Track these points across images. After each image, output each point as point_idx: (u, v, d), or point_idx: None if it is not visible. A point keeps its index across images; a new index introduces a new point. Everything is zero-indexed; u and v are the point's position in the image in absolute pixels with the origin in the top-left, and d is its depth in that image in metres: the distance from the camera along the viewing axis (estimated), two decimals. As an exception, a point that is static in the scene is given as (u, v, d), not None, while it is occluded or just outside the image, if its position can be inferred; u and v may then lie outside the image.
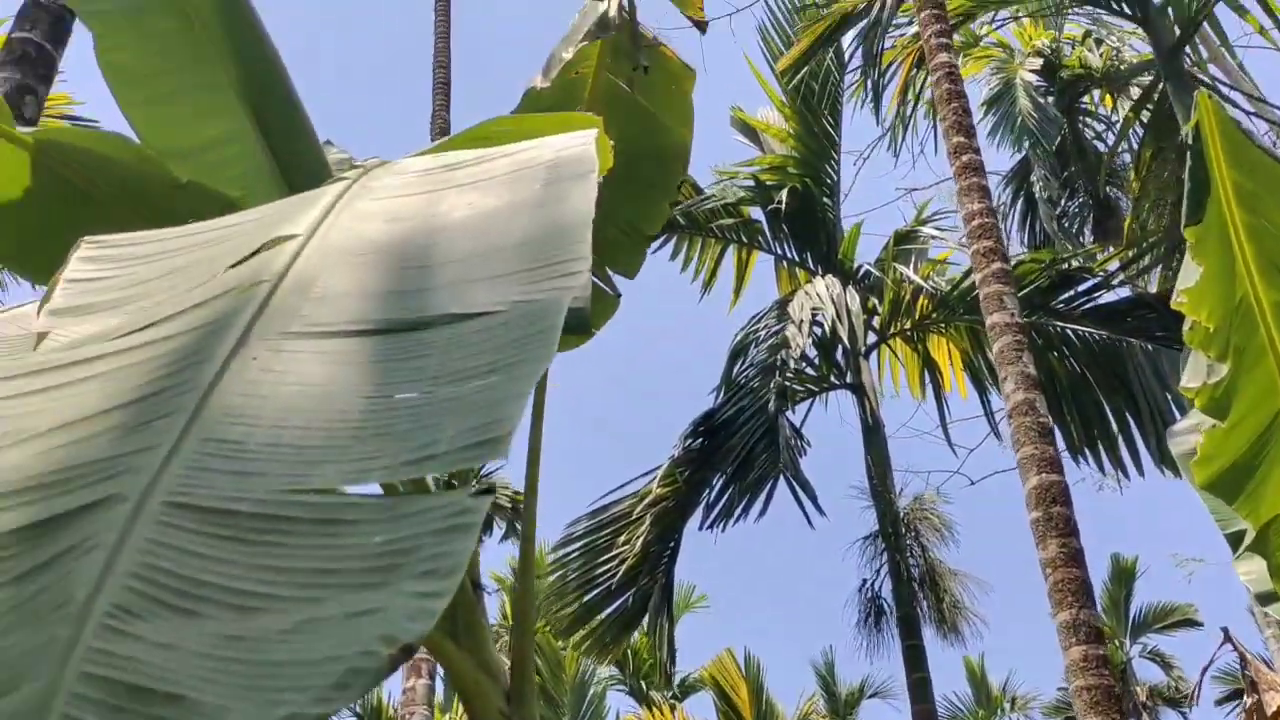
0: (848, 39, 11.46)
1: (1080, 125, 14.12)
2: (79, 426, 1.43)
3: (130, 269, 2.13)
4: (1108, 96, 14.24)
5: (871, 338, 11.52)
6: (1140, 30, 11.60)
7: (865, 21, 10.94)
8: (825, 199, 11.97)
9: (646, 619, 10.38)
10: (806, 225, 11.94)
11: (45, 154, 3.84)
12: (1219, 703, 21.22)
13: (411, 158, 2.62)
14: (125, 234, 2.27)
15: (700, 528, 10.25)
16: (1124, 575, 24.21)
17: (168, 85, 4.64)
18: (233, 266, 1.96)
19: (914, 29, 11.58)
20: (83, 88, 11.80)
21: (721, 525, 9.96)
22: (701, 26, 3.91)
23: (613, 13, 3.53)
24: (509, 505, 18.89)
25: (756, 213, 12.24)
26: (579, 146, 2.20)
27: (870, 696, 23.32)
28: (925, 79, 12.03)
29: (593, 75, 3.93)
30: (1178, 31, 10.60)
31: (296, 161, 4.62)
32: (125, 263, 2.15)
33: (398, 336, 1.61)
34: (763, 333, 11.06)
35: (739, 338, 11.31)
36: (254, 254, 1.99)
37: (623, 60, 3.79)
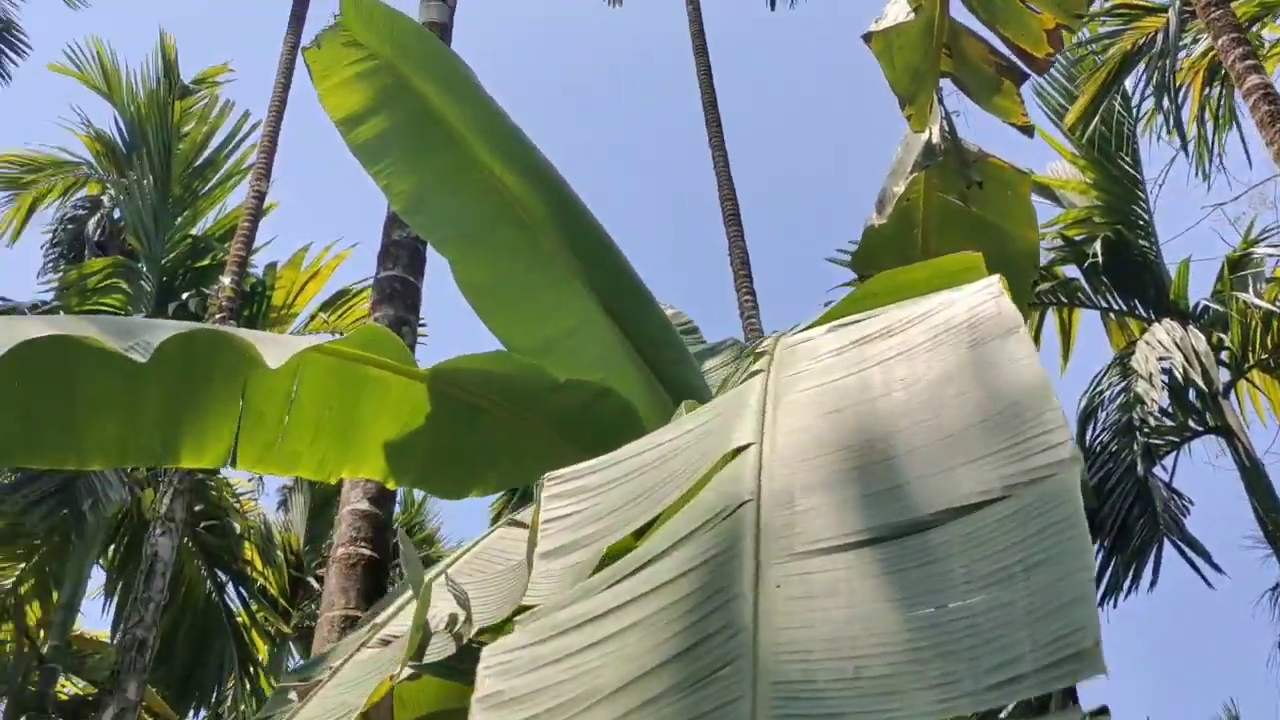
0: (1132, 76, 11.12)
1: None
2: (644, 685, 1.54)
3: (595, 499, 2.29)
4: None
5: (1225, 374, 10.85)
6: None
7: (1152, 52, 10.58)
8: (1141, 241, 11.51)
9: None
10: (1128, 272, 11.48)
11: (437, 380, 4.18)
12: None
13: (808, 332, 2.71)
14: (578, 465, 2.44)
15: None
16: None
17: (517, 289, 4.99)
18: (697, 486, 2.08)
19: (1200, 46, 11.13)
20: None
21: (1112, 601, 9.49)
22: (1028, 131, 3.90)
23: (936, 139, 3.57)
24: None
25: (1070, 270, 11.88)
26: (991, 300, 2.22)
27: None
28: (1220, 92, 11.53)
29: (923, 199, 3.99)
30: None
31: (642, 332, 4.84)
32: (589, 494, 2.31)
33: (898, 543, 1.65)
34: (1108, 392, 10.63)
35: (1084, 402, 10.91)
36: (713, 470, 2.10)
37: (951, 178, 3.84)
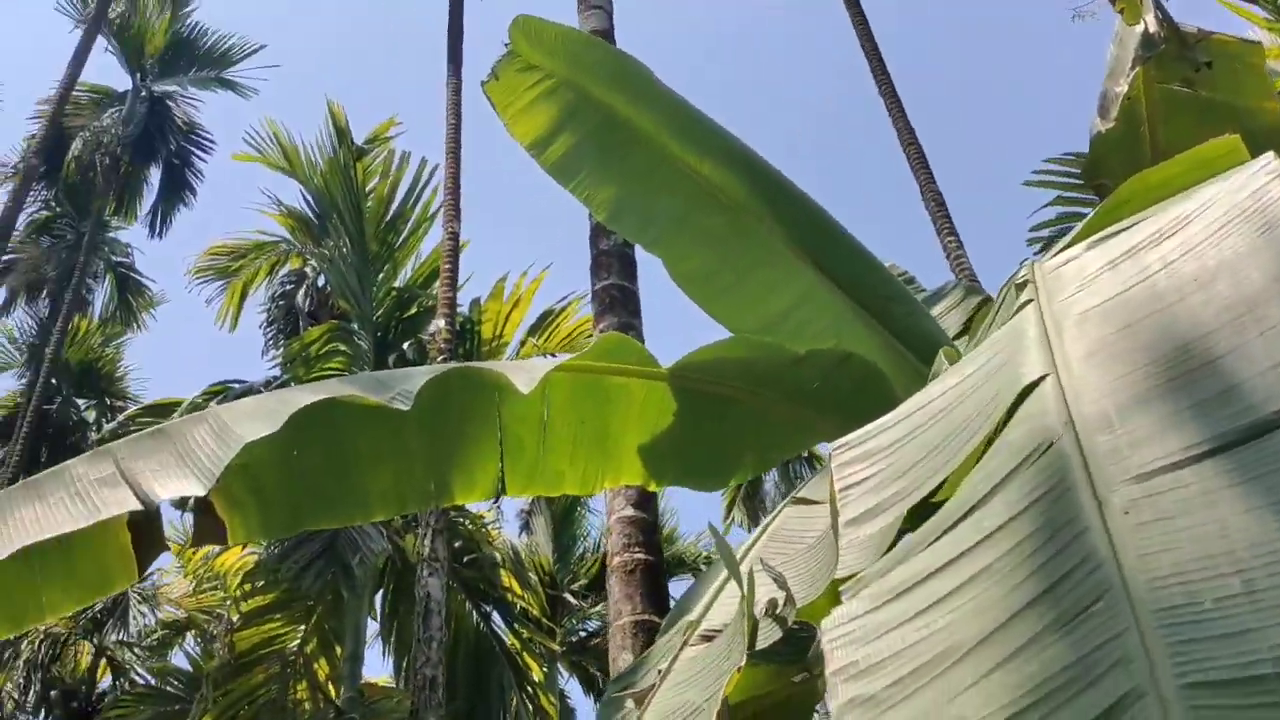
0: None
1: None
2: (1007, 634, 1.49)
3: (890, 459, 2.24)
4: None
5: None
6: None
7: None
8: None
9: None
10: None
11: (678, 377, 4.20)
12: None
13: (1066, 254, 2.59)
14: (863, 429, 2.39)
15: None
16: None
17: (732, 273, 4.97)
18: (998, 428, 2.01)
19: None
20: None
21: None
22: None
23: (1153, 28, 3.38)
24: None
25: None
26: (1271, 179, 2.08)
27: None
28: None
29: (1143, 94, 3.79)
30: None
31: (866, 291, 4.76)
32: (882, 455, 2.26)
33: (1250, 447, 1.55)
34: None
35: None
36: (1011, 408, 2.03)
37: (1171, 65, 3.63)
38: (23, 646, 26.15)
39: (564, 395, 4.09)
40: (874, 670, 1.59)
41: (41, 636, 26.78)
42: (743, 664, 1.90)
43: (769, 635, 2.24)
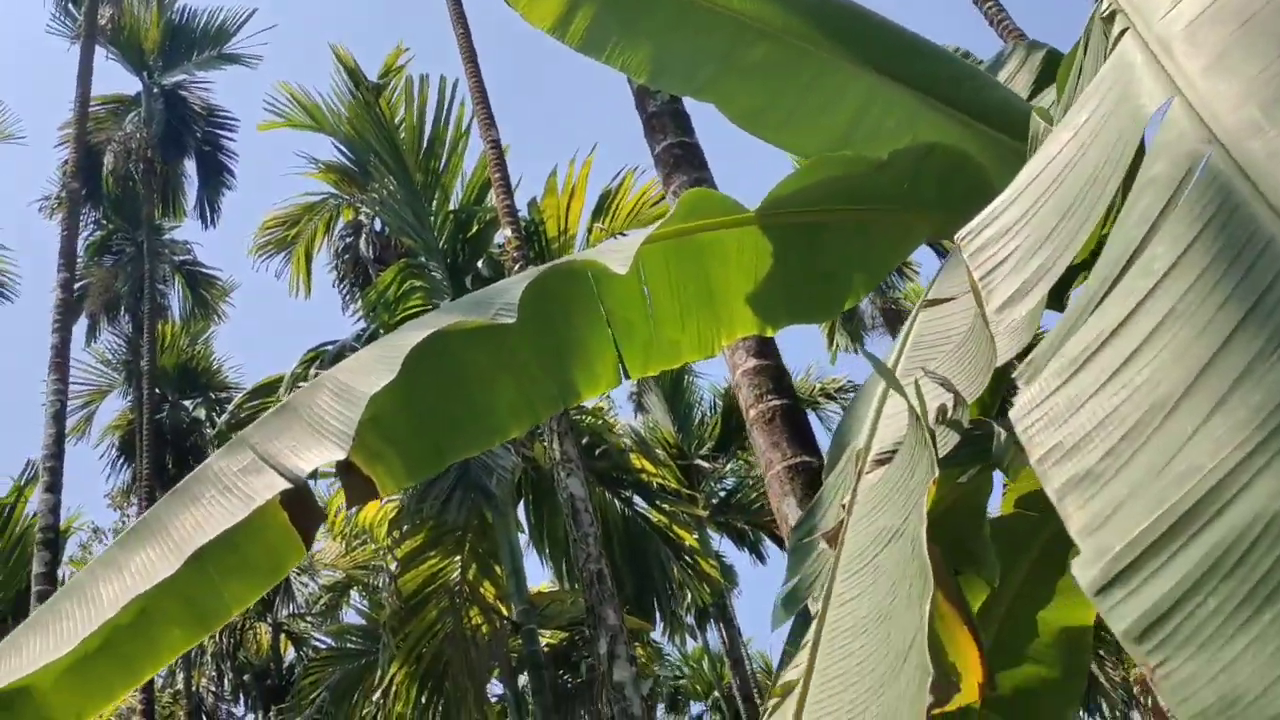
0: None
1: None
2: (1217, 371, 1.41)
3: (1023, 233, 2.13)
4: None
5: None
6: None
7: None
8: None
9: None
10: None
11: (765, 215, 4.09)
12: None
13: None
14: (982, 214, 2.28)
15: None
16: None
17: (789, 97, 4.81)
18: (1134, 167, 1.89)
19: None
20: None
21: None
22: None
23: None
24: None
25: None
26: None
27: None
28: None
29: None
30: None
31: (929, 78, 4.58)
32: (1014, 231, 2.16)
33: None
34: None
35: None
36: (1139, 144, 1.91)
37: None
38: (206, 642, 27.34)
39: (659, 265, 4.02)
40: (1081, 446, 1.52)
41: (220, 628, 27.91)
42: (936, 474, 1.84)
43: (946, 442, 2.18)
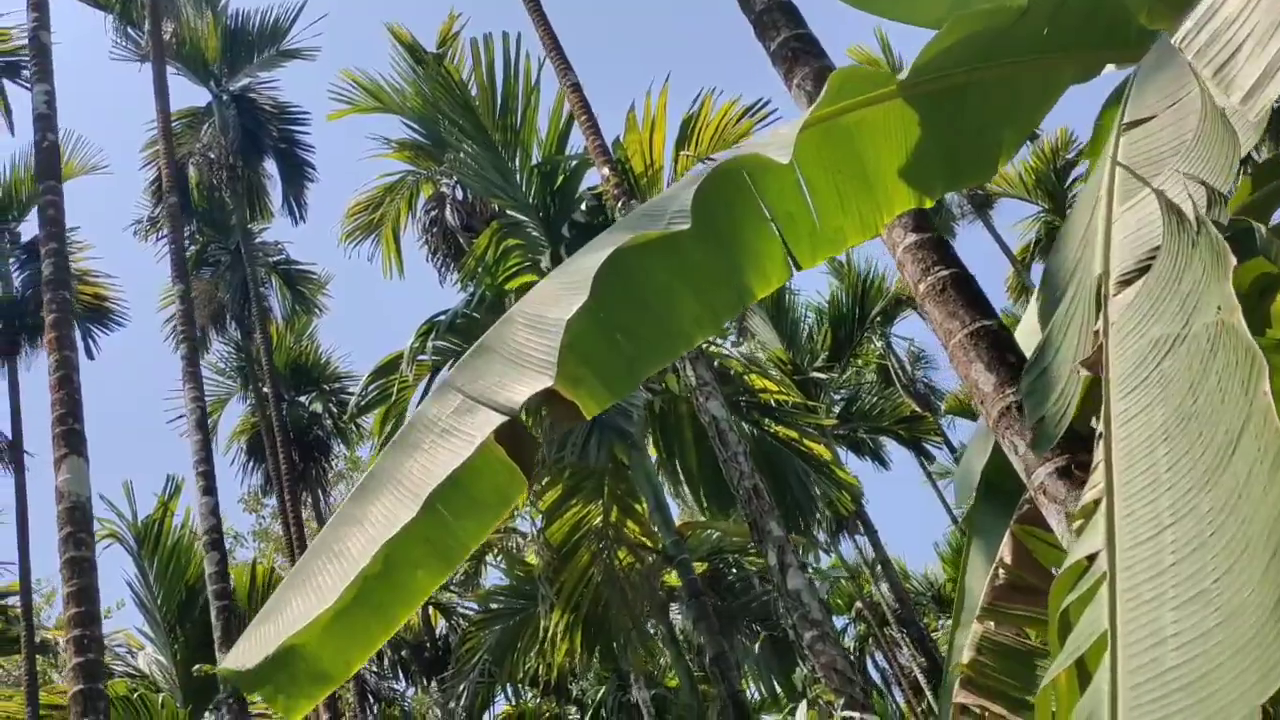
0: None
1: None
2: None
3: (1249, 22, 2.10)
4: None
5: None
6: None
7: None
8: None
9: None
10: None
11: (909, 87, 4.05)
12: None
13: None
14: (1195, 15, 2.25)
15: None
16: None
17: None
18: None
19: None
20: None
21: None
22: None
23: None
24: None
25: None
26: None
27: None
28: None
29: None
30: None
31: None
32: (1236, 23, 2.13)
33: None
34: None
35: None
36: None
37: None
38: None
39: (811, 154, 4.01)
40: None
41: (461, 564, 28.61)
42: (1234, 261, 1.83)
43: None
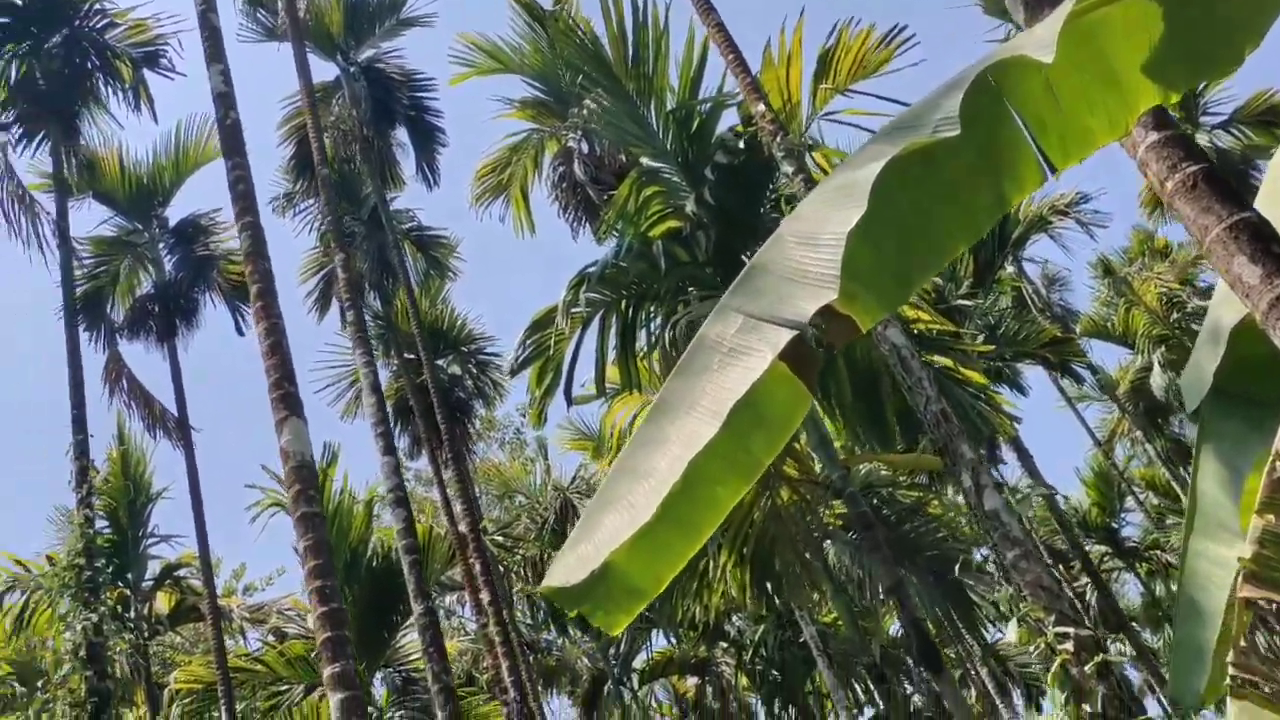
0: None
1: None
2: None
3: None
4: None
5: None
6: None
7: None
8: None
9: None
10: None
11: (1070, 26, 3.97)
12: None
13: None
14: None
15: None
16: None
17: None
18: None
19: None
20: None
21: None
22: None
23: None
24: None
25: None
26: None
27: None
28: None
29: None
30: None
31: None
32: None
33: None
34: None
35: None
36: None
37: None
38: (514, 579, 28.72)
39: (1056, 55, 3.98)
40: None
41: (521, 561, 29.28)
42: None
43: None
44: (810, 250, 3.52)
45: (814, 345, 3.59)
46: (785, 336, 3.40)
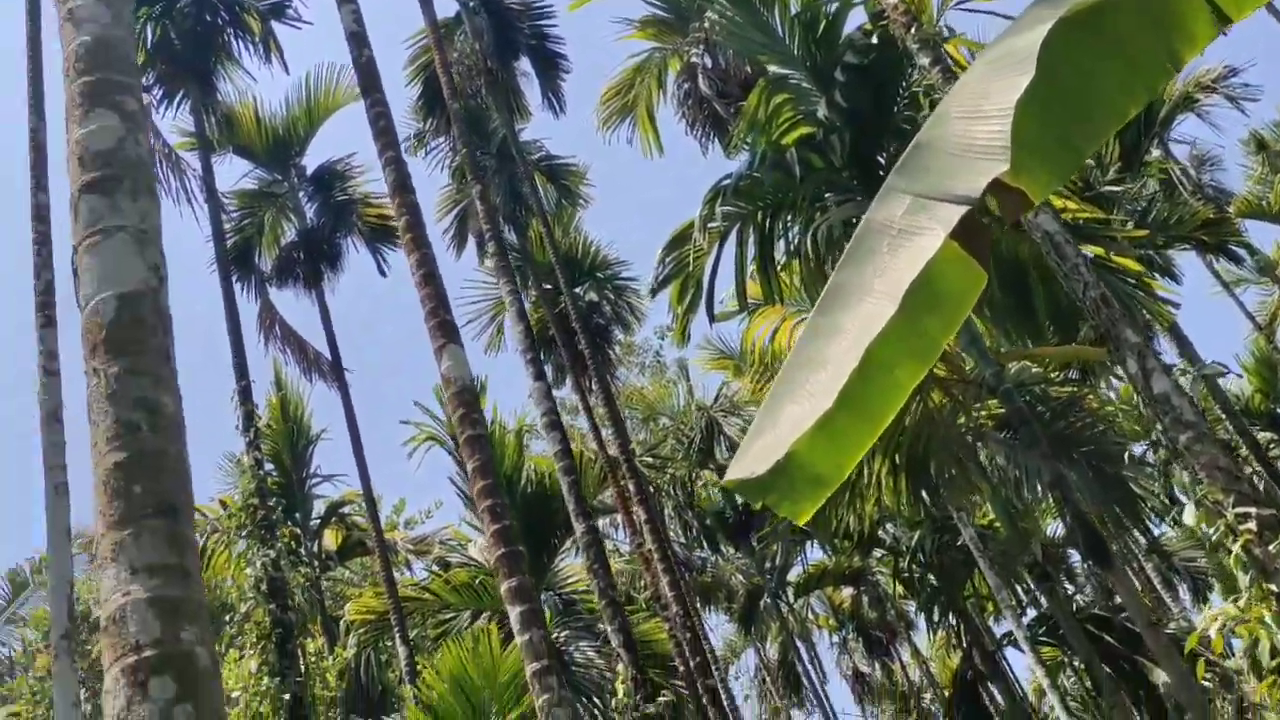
0: None
1: None
2: None
3: None
4: None
5: None
6: None
7: None
8: None
9: None
10: None
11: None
12: None
13: None
14: None
15: None
16: None
17: None
18: None
19: None
20: None
21: None
22: None
23: None
24: None
25: None
26: None
27: None
28: None
29: None
30: None
31: None
32: None
33: None
34: None
35: None
36: None
37: None
38: (664, 499, 29.07)
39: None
40: None
41: (670, 480, 29.61)
42: None
43: None
44: (977, 123, 3.43)
45: (986, 222, 3.51)
46: (956, 213, 3.33)
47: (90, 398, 3.13)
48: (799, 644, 35.34)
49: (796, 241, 14.53)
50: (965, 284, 3.54)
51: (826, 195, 14.44)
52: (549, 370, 27.94)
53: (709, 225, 14.24)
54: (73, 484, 9.67)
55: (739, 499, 30.62)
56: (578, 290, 27.15)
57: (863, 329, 3.36)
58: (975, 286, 3.56)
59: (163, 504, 2.96)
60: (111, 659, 2.77)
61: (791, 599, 34.49)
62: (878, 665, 38.70)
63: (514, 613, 6.78)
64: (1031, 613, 22.01)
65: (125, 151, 3.58)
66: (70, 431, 10.82)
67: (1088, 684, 24.27)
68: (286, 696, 13.13)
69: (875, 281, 3.41)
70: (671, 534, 30.21)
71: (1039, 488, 14.53)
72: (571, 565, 22.42)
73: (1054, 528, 26.44)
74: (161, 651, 2.74)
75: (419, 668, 17.99)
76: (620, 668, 11.69)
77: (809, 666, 35.55)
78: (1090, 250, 14.27)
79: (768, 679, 38.99)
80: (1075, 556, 27.62)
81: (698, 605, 29.31)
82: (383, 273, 24.80)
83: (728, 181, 14.23)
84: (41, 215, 11.50)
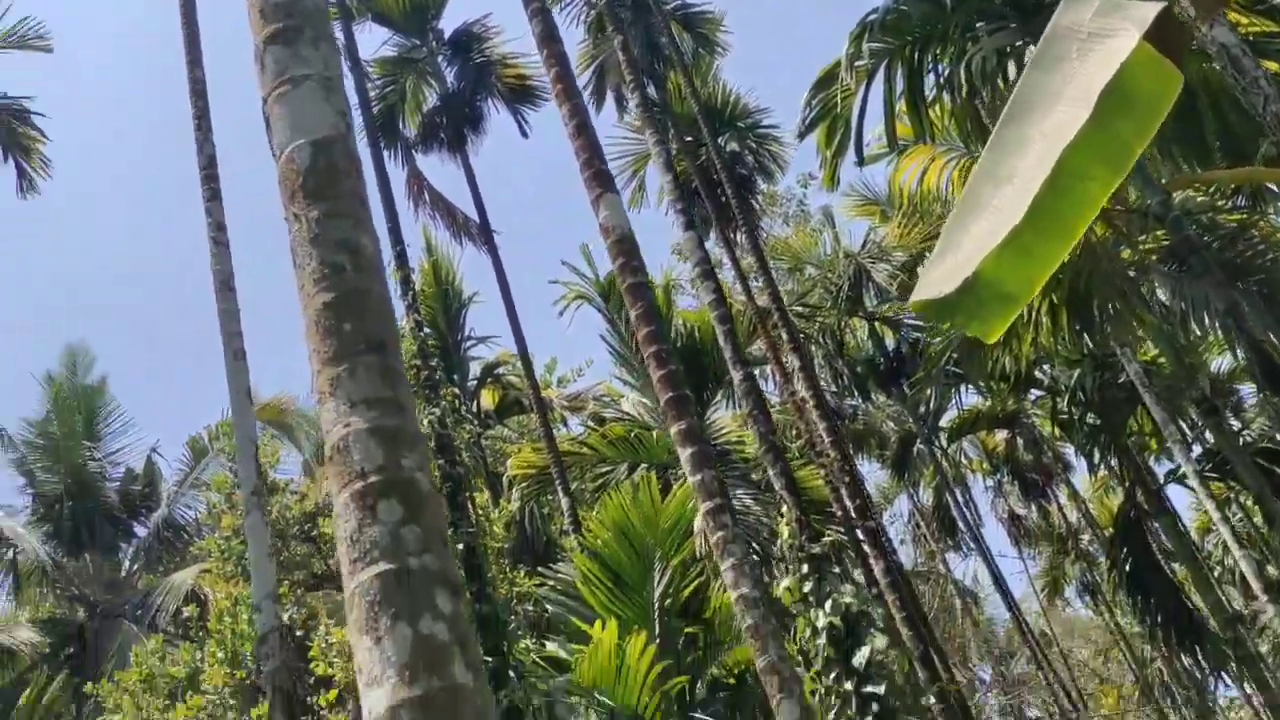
0: None
1: None
2: None
3: None
4: None
5: None
6: None
7: None
8: None
9: None
10: None
11: None
12: None
13: None
14: None
15: None
16: None
17: None
18: None
19: None
20: None
21: None
22: None
23: None
24: None
25: None
26: None
27: None
28: None
29: None
30: None
31: None
32: None
33: None
34: None
35: None
36: None
37: None
38: (814, 349, 28.99)
39: None
40: None
41: (817, 327, 29.46)
42: None
43: None
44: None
45: (1177, 18, 3.34)
46: (1150, 11, 3.18)
47: (293, 242, 3.25)
48: (953, 488, 35.18)
49: (947, 74, 14.02)
50: (1160, 86, 3.39)
51: (978, 24, 13.85)
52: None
53: (856, 63, 13.83)
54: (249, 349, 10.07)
55: (888, 344, 30.37)
56: (719, 141, 26.81)
57: (1053, 138, 3.25)
58: (1171, 89, 3.41)
59: (372, 340, 3.09)
60: (340, 485, 2.93)
61: (945, 444, 34.25)
62: (1034, 508, 38.37)
63: (685, 454, 6.91)
64: (1196, 449, 21.47)
65: (303, 1, 3.64)
66: (242, 298, 11.24)
67: (1256, 520, 23.70)
68: (460, 546, 13.68)
69: (1066, 88, 3.29)
70: (822, 383, 30.13)
71: (1206, 319, 14.01)
72: (722, 418, 22.61)
73: (1218, 363, 25.59)
74: (385, 477, 2.89)
75: (581, 519, 18.51)
76: (785, 509, 11.84)
77: (964, 510, 35.41)
78: (1268, 66, 13.46)
79: (922, 524, 39.11)
80: (1243, 390, 26.77)
81: (850, 452, 29.36)
82: (524, 134, 24.86)
83: (873, 16, 13.76)
84: (199, 90, 11.79)
